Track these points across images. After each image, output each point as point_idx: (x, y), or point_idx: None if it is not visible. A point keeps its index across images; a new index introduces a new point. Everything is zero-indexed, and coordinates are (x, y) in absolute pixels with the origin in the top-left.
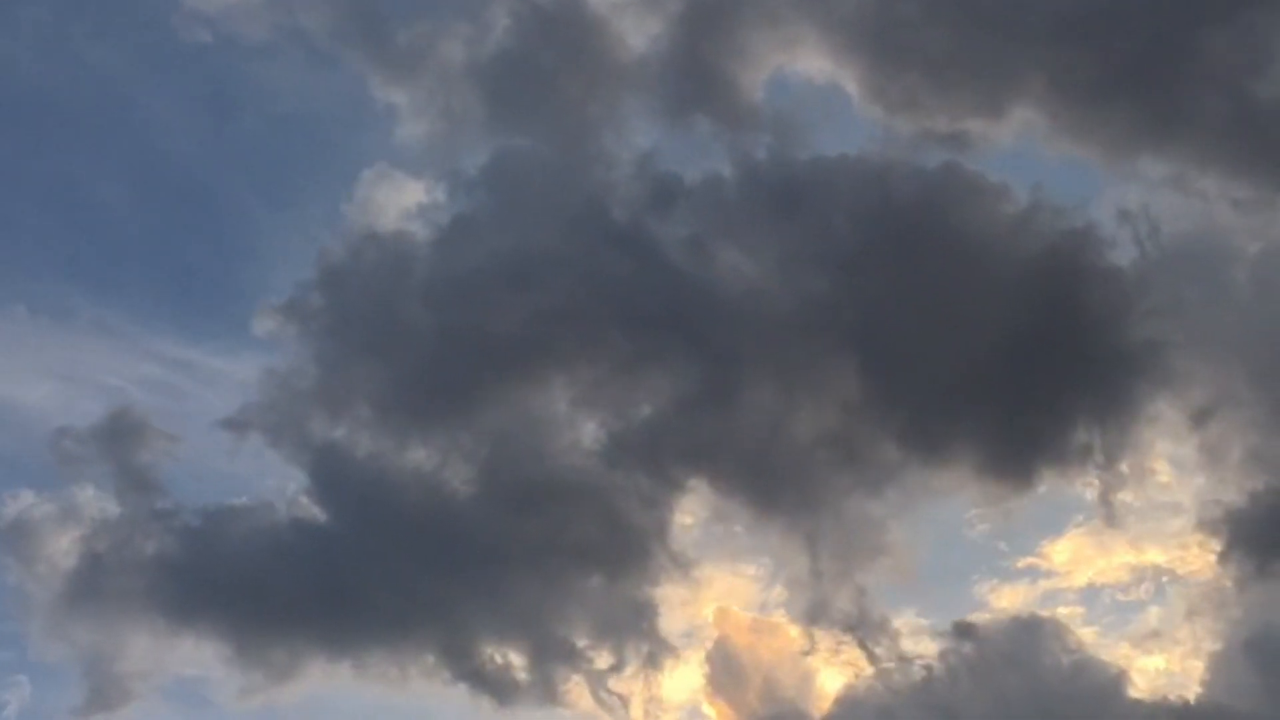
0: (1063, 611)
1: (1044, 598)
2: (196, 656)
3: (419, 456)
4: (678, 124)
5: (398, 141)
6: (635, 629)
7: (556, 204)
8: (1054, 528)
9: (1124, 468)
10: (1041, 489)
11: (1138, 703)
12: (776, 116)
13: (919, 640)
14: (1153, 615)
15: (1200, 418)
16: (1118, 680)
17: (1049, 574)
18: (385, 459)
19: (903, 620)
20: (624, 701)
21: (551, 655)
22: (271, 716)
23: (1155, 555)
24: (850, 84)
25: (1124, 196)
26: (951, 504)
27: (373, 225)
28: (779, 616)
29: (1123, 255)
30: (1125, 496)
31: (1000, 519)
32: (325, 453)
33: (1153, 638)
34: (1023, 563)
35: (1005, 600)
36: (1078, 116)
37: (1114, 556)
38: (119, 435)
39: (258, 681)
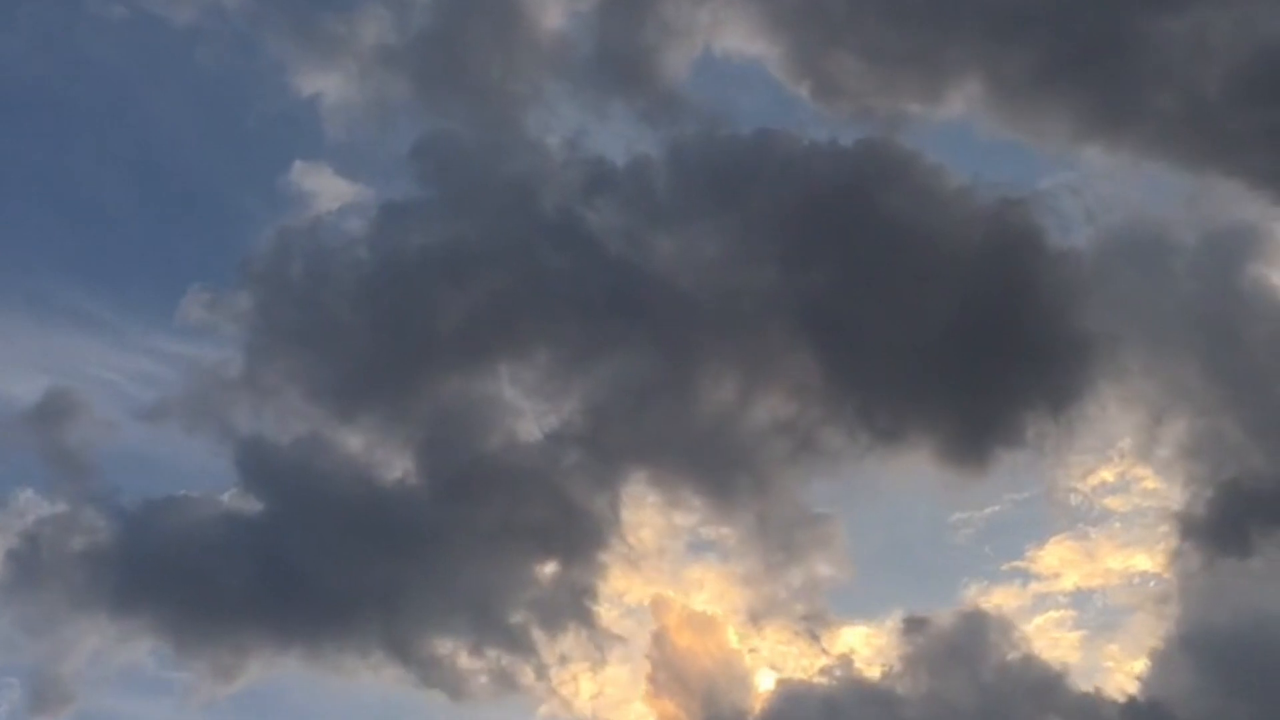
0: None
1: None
2: (137, 651)
3: (358, 446)
4: (605, 106)
5: (322, 127)
6: (580, 619)
7: (487, 191)
8: (1016, 523)
9: (1072, 461)
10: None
11: (1080, 696)
12: (706, 98)
13: (867, 635)
14: (1101, 610)
15: (1142, 406)
16: (1060, 675)
17: (999, 563)
18: (322, 448)
19: (851, 614)
20: (568, 690)
21: (495, 644)
22: (217, 710)
23: (1107, 550)
24: (778, 64)
25: (1067, 184)
26: (903, 493)
27: (302, 213)
28: (725, 607)
29: (1064, 242)
30: (1075, 491)
31: (946, 509)
32: (258, 443)
33: (1100, 633)
34: (979, 553)
35: (958, 593)
36: (1018, 103)
37: (1063, 549)
38: (49, 422)
39: (201, 676)
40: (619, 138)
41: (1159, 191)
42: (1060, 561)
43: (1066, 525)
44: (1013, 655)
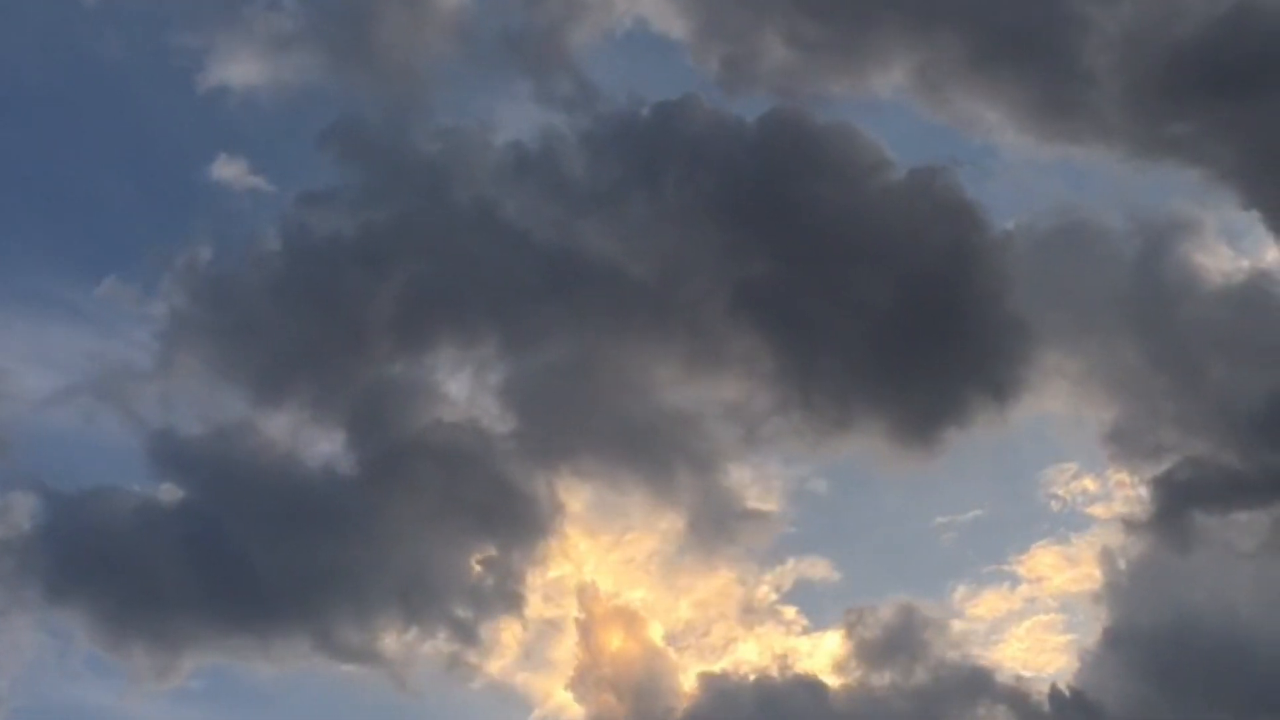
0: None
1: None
2: (71, 643)
3: (286, 434)
4: (513, 86)
5: (234, 115)
6: (512, 605)
7: (402, 176)
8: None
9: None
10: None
11: (1006, 690)
12: (616, 76)
13: (801, 628)
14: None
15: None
16: (989, 671)
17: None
18: (250, 437)
19: (786, 606)
20: (499, 676)
21: (428, 630)
22: (156, 700)
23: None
24: (687, 36)
25: (997, 169)
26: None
27: (217, 203)
28: (659, 598)
29: (995, 227)
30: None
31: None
32: (180, 433)
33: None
34: (914, 540)
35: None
36: (947, 88)
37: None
38: None
39: (138, 667)
40: (528, 118)
41: (1090, 178)
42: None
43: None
44: (951, 653)
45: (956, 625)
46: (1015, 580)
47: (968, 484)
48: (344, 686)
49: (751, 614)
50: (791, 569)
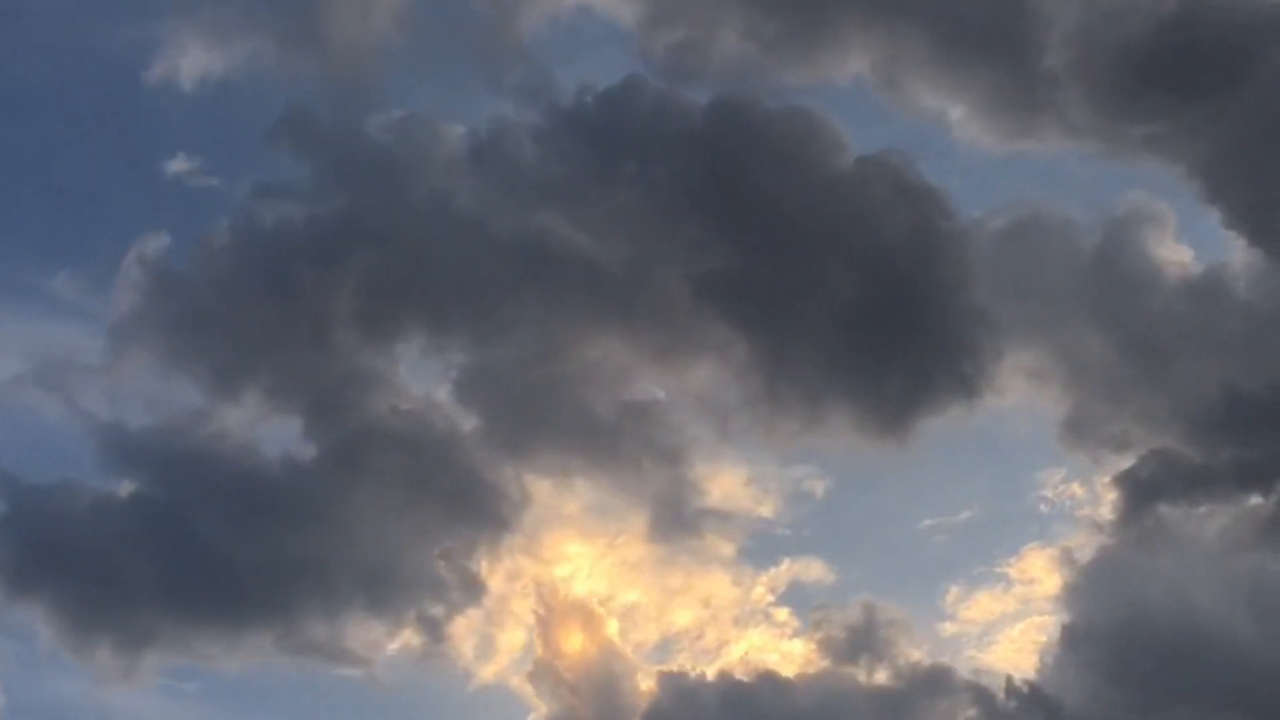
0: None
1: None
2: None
3: (245, 427)
4: (462, 74)
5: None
6: (473, 598)
7: (355, 163)
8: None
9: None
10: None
11: (966, 685)
12: (565, 61)
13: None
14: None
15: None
16: (947, 668)
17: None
18: (208, 430)
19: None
20: (460, 669)
21: (389, 622)
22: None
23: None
24: (637, 23)
25: (959, 161)
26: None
27: (173, 194)
28: (623, 593)
29: (958, 218)
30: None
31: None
32: (139, 427)
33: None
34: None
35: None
36: (907, 77)
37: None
38: None
39: (104, 663)
40: (480, 107)
41: (1050, 172)
42: None
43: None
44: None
45: (949, 628)
46: (1008, 582)
47: (957, 485)
48: (308, 680)
49: (716, 608)
50: (750, 564)
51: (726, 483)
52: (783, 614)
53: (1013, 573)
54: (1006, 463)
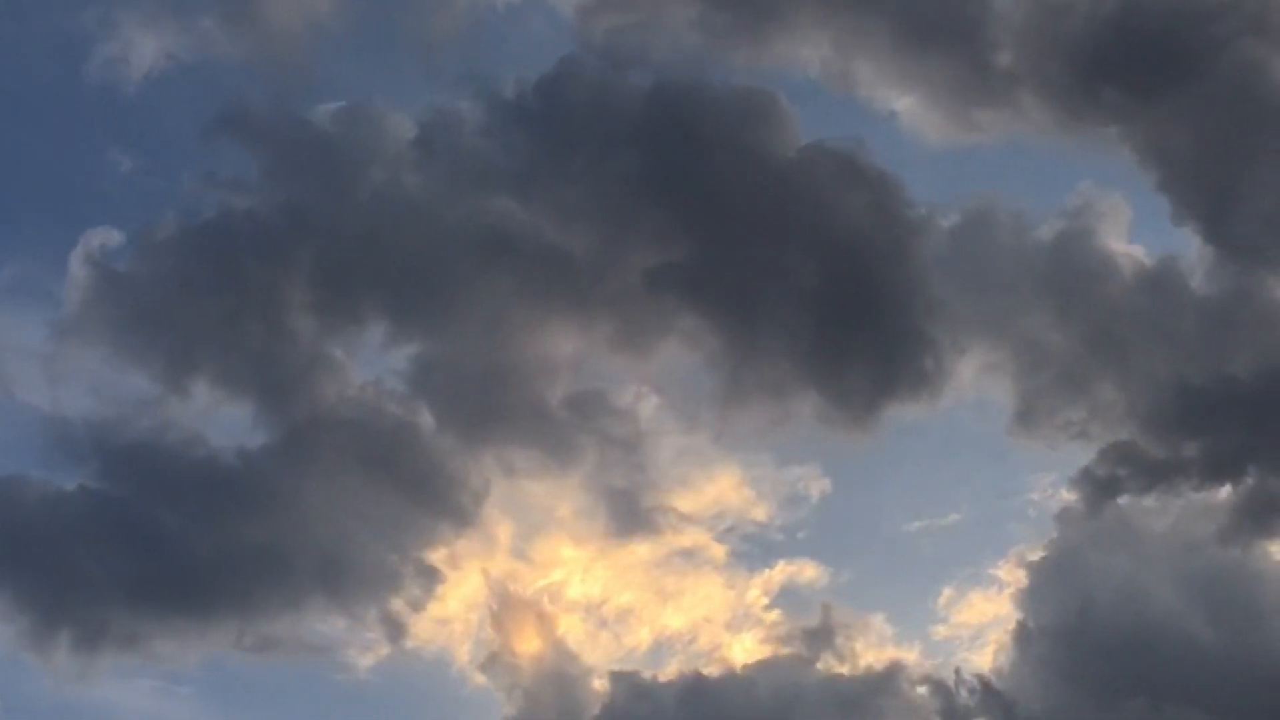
0: None
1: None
2: None
3: (198, 420)
4: (395, 62)
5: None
6: (426, 590)
7: (300, 152)
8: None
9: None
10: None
11: (924, 677)
12: (503, 42)
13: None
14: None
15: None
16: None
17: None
18: (161, 422)
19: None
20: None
21: (343, 614)
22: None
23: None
24: (571, 6)
25: (917, 152)
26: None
27: (119, 186)
28: (580, 591)
29: (917, 208)
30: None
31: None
32: (83, 418)
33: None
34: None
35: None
36: (860, 67)
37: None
38: None
39: (64, 658)
40: (420, 95)
41: (1005, 162)
42: None
43: None
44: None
45: (941, 630)
46: (1000, 585)
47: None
48: (267, 673)
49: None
50: (716, 561)
51: (685, 474)
52: (740, 603)
53: (1003, 575)
54: (998, 464)
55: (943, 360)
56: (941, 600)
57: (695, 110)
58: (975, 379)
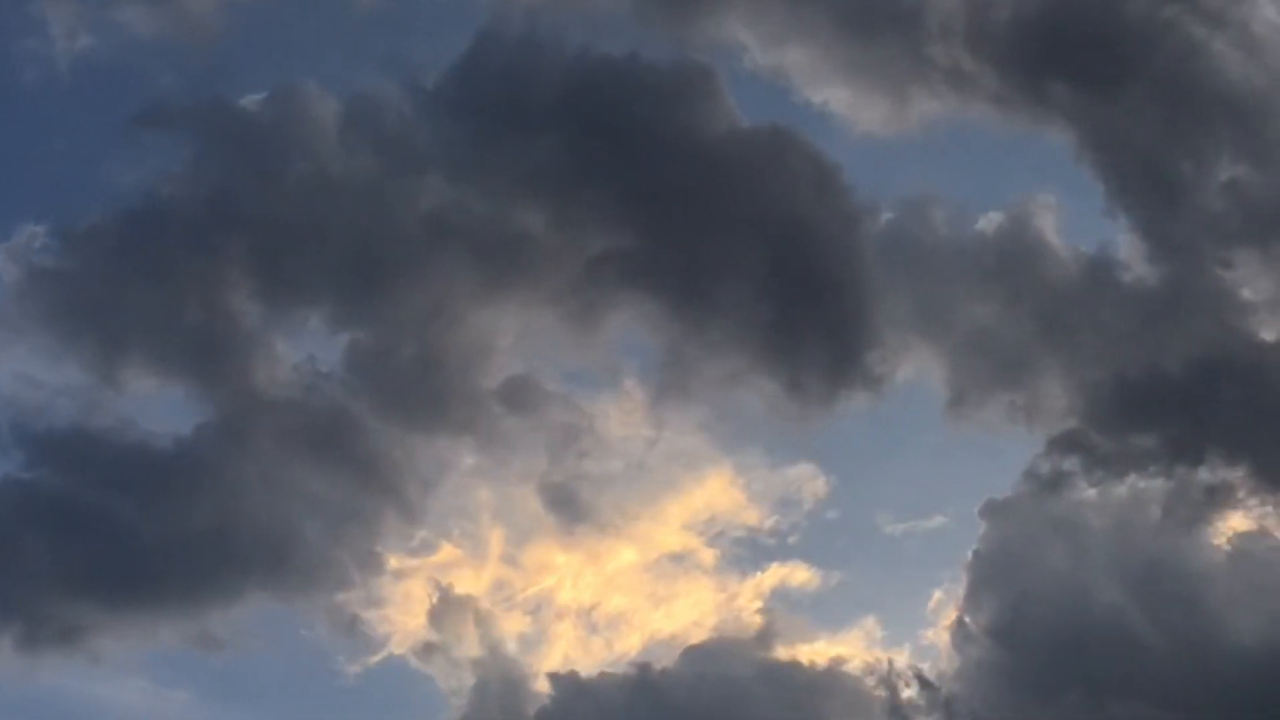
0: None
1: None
2: None
3: (136, 408)
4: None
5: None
6: (365, 581)
7: (231, 138)
8: None
9: None
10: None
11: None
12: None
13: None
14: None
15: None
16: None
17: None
18: (99, 412)
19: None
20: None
21: (284, 603)
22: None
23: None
24: None
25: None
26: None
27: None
28: (518, 586)
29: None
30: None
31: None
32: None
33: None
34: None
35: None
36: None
37: None
38: None
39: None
40: (342, 76)
41: (943, 152)
42: None
43: None
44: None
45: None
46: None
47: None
48: (207, 665)
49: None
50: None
51: (629, 465)
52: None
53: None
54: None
55: (887, 351)
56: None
57: (630, 87)
58: (916, 369)
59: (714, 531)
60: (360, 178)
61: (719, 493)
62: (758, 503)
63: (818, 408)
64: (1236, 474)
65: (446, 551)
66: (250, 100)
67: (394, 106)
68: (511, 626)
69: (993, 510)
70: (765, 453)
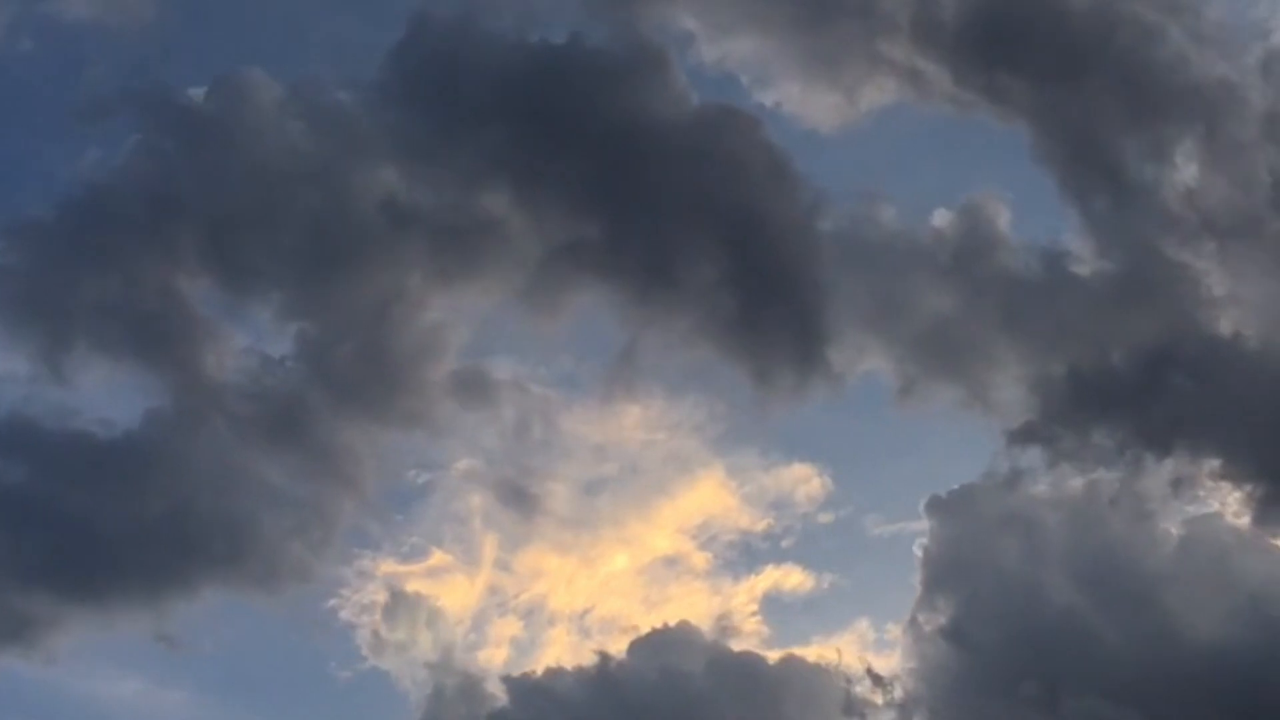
0: None
1: None
2: None
3: (77, 398)
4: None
5: None
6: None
7: (174, 127)
8: None
9: None
10: None
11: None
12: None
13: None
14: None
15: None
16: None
17: None
18: (46, 403)
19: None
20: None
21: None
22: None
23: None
24: None
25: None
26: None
27: None
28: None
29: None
30: None
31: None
32: None
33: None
34: None
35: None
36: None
37: None
38: None
39: None
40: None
41: (894, 145)
42: None
43: None
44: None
45: None
46: None
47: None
48: (165, 656)
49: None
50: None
51: (585, 454)
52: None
53: None
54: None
55: (845, 345)
56: None
57: (579, 72)
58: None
59: (707, 534)
60: (307, 166)
61: (711, 494)
62: (751, 504)
63: (784, 400)
64: (1192, 467)
65: (406, 546)
66: (192, 89)
67: (337, 94)
68: (460, 623)
69: (937, 507)
70: (733, 442)
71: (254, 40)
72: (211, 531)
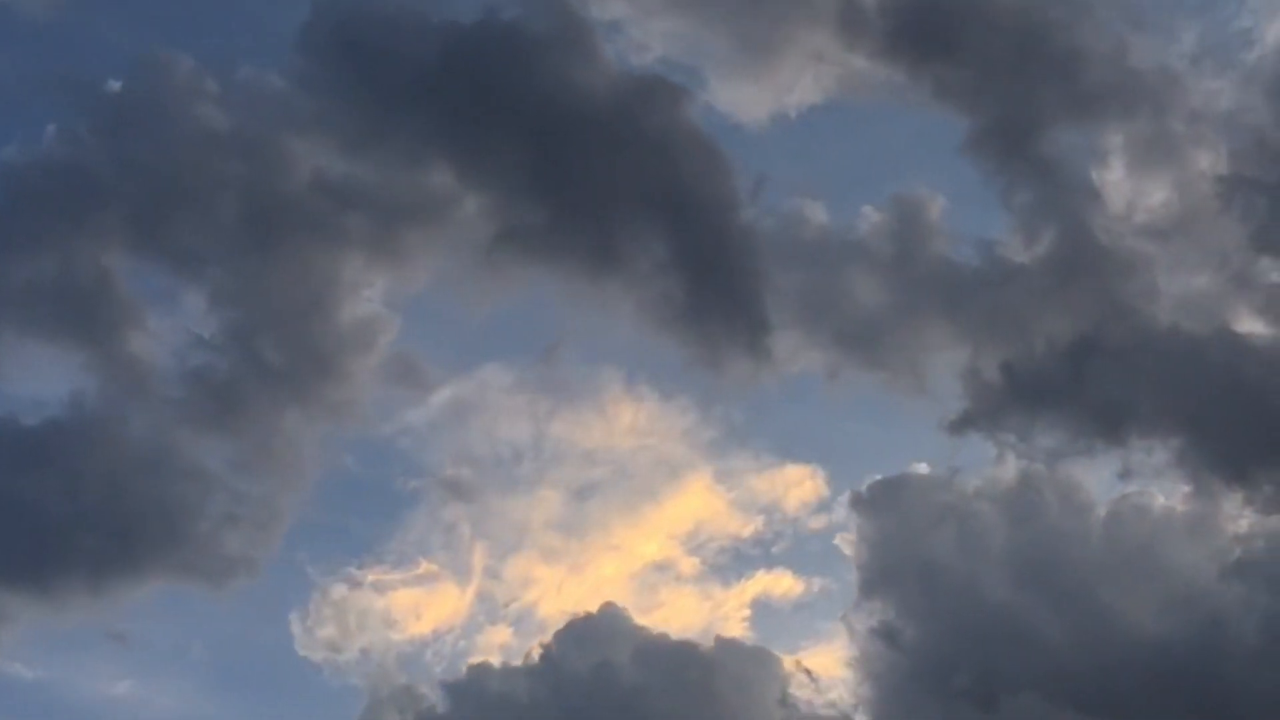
0: None
1: None
2: None
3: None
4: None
5: None
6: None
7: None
8: None
9: None
10: None
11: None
12: None
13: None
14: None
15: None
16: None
17: None
18: None
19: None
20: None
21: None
22: None
23: None
24: None
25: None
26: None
27: None
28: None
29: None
30: None
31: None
32: None
33: None
34: None
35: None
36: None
37: None
38: None
39: None
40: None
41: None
42: None
43: None
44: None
45: None
46: None
47: None
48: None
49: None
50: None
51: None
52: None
53: None
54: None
55: (780, 334)
56: None
57: (500, 49)
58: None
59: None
60: (231, 145)
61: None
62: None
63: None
64: (1129, 457)
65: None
66: (110, 69)
67: (250, 73)
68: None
69: (860, 501)
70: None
71: (166, 21)
72: (147, 519)
